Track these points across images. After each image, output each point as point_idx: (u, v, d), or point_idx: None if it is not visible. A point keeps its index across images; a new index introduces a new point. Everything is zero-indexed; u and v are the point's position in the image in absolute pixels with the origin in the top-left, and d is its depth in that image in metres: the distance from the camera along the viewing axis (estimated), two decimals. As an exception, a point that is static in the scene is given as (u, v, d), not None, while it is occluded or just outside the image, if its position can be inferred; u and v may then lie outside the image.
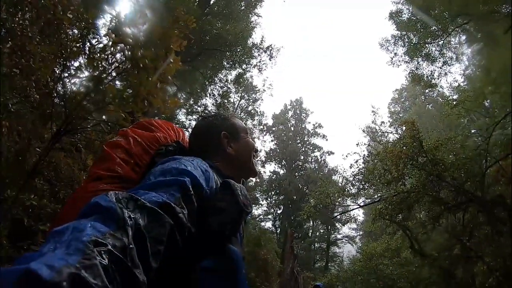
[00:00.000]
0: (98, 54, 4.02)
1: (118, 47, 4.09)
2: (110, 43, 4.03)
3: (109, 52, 3.95)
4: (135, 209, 0.64)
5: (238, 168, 1.14)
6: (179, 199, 0.75)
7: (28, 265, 0.44)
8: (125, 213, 0.61)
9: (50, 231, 1.05)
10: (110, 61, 4.05)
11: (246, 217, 0.97)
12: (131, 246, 0.57)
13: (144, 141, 1.11)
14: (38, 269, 0.43)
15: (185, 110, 18.65)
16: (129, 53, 4.05)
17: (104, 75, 3.95)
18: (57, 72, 4.24)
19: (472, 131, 10.82)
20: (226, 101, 18.45)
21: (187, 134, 1.31)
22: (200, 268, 0.83)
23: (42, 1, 3.87)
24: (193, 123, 18.28)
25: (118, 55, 4.13)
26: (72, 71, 4.18)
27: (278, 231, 26.93)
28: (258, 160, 26.72)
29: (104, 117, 4.70)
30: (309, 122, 31.14)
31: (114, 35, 4.06)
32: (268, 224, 28.06)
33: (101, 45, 4.01)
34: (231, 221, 0.88)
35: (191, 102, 18.59)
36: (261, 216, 28.40)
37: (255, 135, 25.88)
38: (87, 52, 4.20)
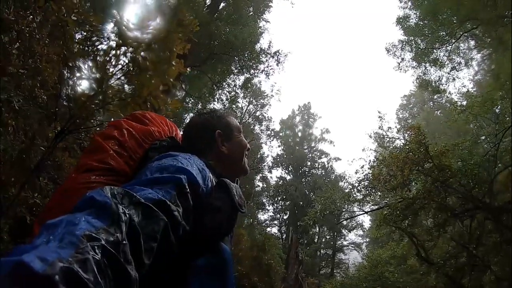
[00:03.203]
0: (102, 57, 4.11)
1: (122, 50, 4.19)
2: (114, 44, 4.13)
3: (112, 54, 4.03)
4: (130, 205, 0.64)
5: (230, 167, 1.14)
6: (175, 196, 0.75)
7: (21, 257, 0.43)
8: (119, 208, 0.60)
9: (38, 221, 1.06)
10: (113, 63, 4.14)
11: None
12: (124, 242, 0.56)
13: (138, 134, 1.10)
14: (31, 262, 0.43)
15: (193, 115, 18.82)
16: (132, 55, 4.14)
17: (107, 77, 4.04)
18: (65, 73, 4.35)
19: (482, 137, 10.63)
20: (234, 106, 18.53)
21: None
22: (191, 266, 0.83)
23: (50, 7, 3.99)
24: (200, 127, 18.38)
25: (121, 58, 4.22)
26: (76, 72, 4.28)
27: (283, 237, 26.76)
28: (264, 165, 26.68)
29: (112, 119, 4.78)
30: (317, 127, 31.02)
31: (118, 38, 4.16)
32: (274, 230, 27.94)
33: (104, 47, 4.11)
34: (226, 220, 0.88)
35: (199, 106, 18.73)
36: (267, 222, 28.29)
37: (262, 140, 25.88)
38: (92, 54, 4.30)
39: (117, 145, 1.05)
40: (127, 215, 0.61)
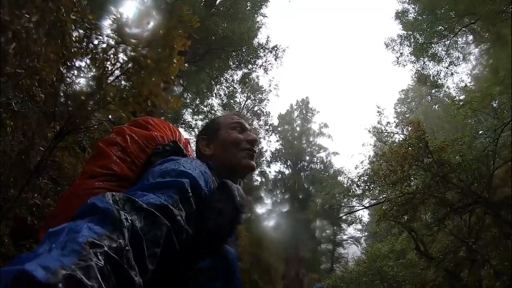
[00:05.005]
0: (101, 55, 4.06)
1: (121, 48, 4.13)
2: (113, 42, 4.08)
3: (111, 52, 3.98)
4: (132, 210, 0.64)
5: (224, 167, 1.10)
6: (177, 201, 0.75)
7: (23, 266, 0.43)
8: (122, 214, 0.60)
9: (43, 228, 1.05)
10: (112, 62, 4.09)
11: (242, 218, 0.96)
12: (127, 248, 0.56)
13: (141, 140, 1.10)
14: (33, 270, 0.43)
15: (191, 110, 18.73)
16: (132, 53, 4.09)
17: (107, 75, 3.99)
18: (63, 72, 4.29)
19: (480, 132, 10.68)
20: (232, 101, 18.49)
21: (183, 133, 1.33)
22: (195, 269, 0.83)
23: (49, 5, 3.92)
24: (199, 123, 18.33)
25: (121, 55, 4.17)
26: (75, 71, 4.23)
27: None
28: (263, 160, 26.70)
29: (110, 116, 4.75)
30: (315, 122, 31.03)
31: (116, 35, 4.10)
32: (272, 223, 28.00)
33: (104, 45, 4.06)
34: (228, 222, 0.87)
35: (197, 102, 18.64)
36: (265, 215, 28.36)
37: (261, 135, 25.85)
38: (91, 52, 4.25)
39: (120, 151, 1.06)
40: (130, 221, 0.60)
